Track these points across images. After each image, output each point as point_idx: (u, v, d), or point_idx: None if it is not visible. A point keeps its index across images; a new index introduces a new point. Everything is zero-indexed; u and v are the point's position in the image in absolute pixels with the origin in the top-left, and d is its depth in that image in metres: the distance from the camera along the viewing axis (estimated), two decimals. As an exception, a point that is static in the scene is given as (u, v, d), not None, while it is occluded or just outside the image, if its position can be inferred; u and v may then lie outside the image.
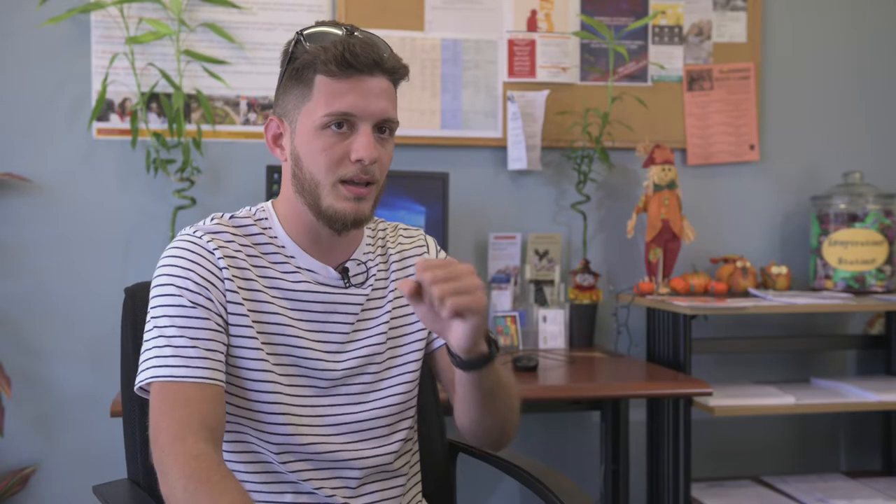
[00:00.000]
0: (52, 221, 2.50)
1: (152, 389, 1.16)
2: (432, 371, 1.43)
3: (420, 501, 1.42)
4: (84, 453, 2.50)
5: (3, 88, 2.48)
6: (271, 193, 2.30)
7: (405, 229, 1.44)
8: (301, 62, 1.22)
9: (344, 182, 1.21)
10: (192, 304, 1.18)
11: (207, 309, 1.19)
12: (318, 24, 1.25)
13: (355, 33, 1.23)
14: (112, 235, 2.52)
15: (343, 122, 1.20)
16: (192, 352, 1.16)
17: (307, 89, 1.22)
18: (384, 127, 1.24)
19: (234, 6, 2.52)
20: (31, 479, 2.49)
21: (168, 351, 1.15)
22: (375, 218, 1.42)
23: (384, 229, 1.41)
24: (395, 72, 1.24)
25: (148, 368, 1.16)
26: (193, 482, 1.07)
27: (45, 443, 2.51)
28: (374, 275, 1.34)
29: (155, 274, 1.22)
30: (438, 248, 1.45)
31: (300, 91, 1.23)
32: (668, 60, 2.77)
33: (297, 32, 1.25)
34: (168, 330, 1.17)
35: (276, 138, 1.28)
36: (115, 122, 2.52)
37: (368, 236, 1.37)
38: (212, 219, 1.29)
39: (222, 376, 1.18)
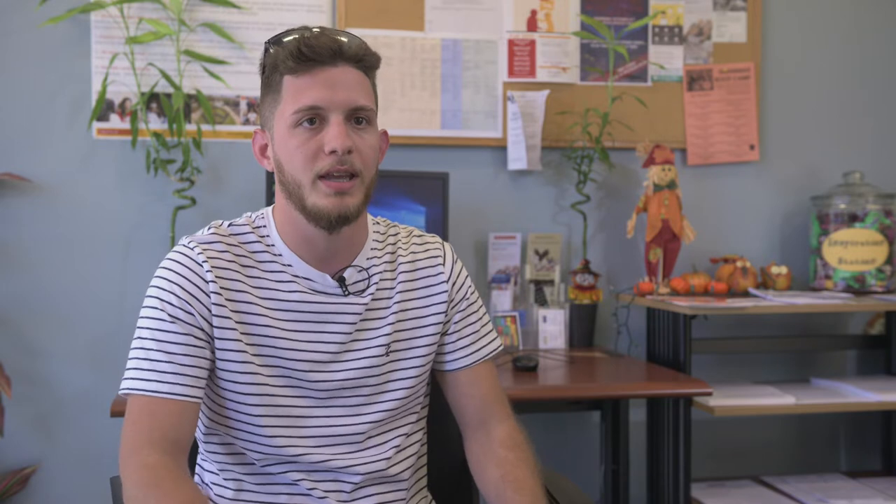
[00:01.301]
0: (52, 221, 2.50)
1: (127, 400, 1.18)
2: (442, 389, 1.40)
3: None
4: (84, 453, 2.50)
5: (3, 88, 2.48)
6: (271, 194, 2.30)
7: (419, 236, 1.39)
8: (269, 68, 1.23)
9: (323, 178, 1.19)
10: (171, 319, 1.19)
11: (188, 324, 1.19)
12: (288, 30, 1.24)
13: (320, 30, 1.22)
14: (112, 235, 2.52)
15: (314, 118, 1.19)
16: (166, 367, 1.17)
17: (277, 93, 1.21)
18: (360, 117, 1.21)
19: (234, 6, 2.52)
20: (31, 479, 2.49)
21: (145, 364, 1.18)
22: (388, 221, 1.40)
23: (396, 234, 1.37)
24: (361, 59, 1.22)
25: (125, 379, 1.19)
26: (143, 489, 1.10)
27: (45, 443, 2.51)
28: (377, 282, 1.30)
29: (149, 286, 1.23)
30: (455, 257, 1.40)
31: (272, 97, 1.23)
32: (668, 60, 2.77)
33: (265, 42, 1.25)
34: (147, 343, 1.19)
35: (263, 149, 1.28)
36: (115, 122, 2.52)
37: (375, 241, 1.33)
38: (209, 228, 1.28)
39: (196, 392, 1.18)
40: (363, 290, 1.29)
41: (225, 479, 1.29)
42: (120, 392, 1.19)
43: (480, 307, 1.41)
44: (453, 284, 1.36)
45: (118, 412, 1.79)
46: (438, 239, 1.41)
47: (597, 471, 2.50)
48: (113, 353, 2.49)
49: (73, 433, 2.52)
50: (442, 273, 1.36)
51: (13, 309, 2.49)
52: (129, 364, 1.19)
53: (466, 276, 1.40)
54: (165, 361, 1.17)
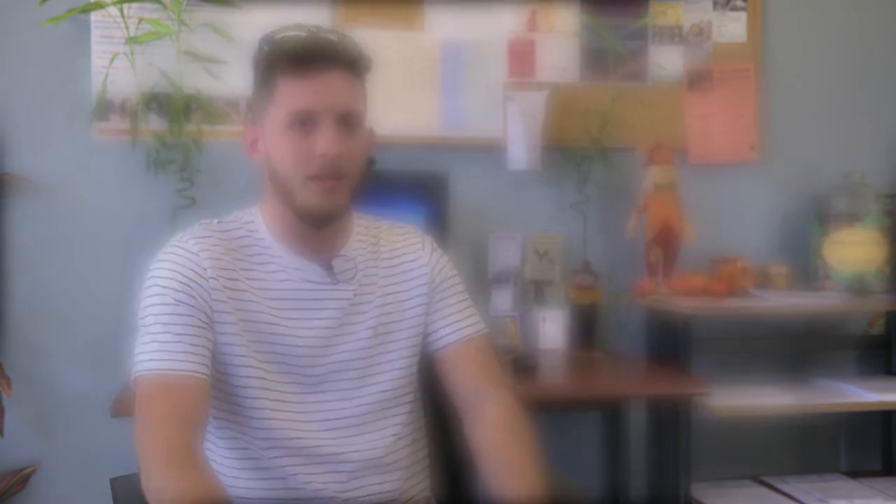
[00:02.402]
0: (52, 221, 2.50)
1: (138, 383, 1.19)
2: (433, 371, 1.42)
3: (426, 498, 1.42)
4: (84, 453, 2.50)
5: (2, 88, 2.48)
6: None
7: (399, 227, 1.45)
8: (262, 66, 1.27)
9: (313, 178, 1.23)
10: (175, 302, 1.21)
11: (191, 306, 1.21)
12: (282, 28, 1.28)
13: (315, 32, 1.25)
14: (112, 235, 2.52)
15: (305, 120, 1.23)
16: (175, 346, 1.18)
17: (270, 93, 1.25)
18: (350, 120, 1.25)
19: (234, 6, 2.51)
20: (31, 479, 2.49)
21: (153, 346, 1.19)
22: (371, 217, 1.44)
23: (378, 227, 1.43)
24: (355, 64, 1.26)
25: (136, 364, 1.19)
26: (168, 470, 1.09)
27: (45, 443, 2.51)
28: (362, 270, 1.34)
29: (144, 282, 1.25)
30: (435, 246, 1.45)
31: (264, 94, 1.27)
32: (668, 60, 2.77)
33: (258, 39, 1.28)
34: (153, 328, 1.20)
35: (253, 143, 1.33)
36: (115, 122, 2.52)
37: (359, 233, 1.38)
38: (199, 225, 1.33)
39: (206, 370, 1.20)
40: (350, 279, 1.32)
41: (221, 476, 1.29)
42: (132, 378, 1.19)
43: (463, 291, 1.44)
44: (432, 268, 1.41)
45: (118, 412, 1.79)
46: (418, 229, 1.47)
47: (597, 471, 2.50)
48: (113, 353, 2.49)
49: (73, 433, 2.51)
50: (421, 257, 1.41)
51: (13, 309, 2.49)
52: (138, 350, 1.20)
53: (447, 262, 1.44)
54: (175, 342, 1.19)
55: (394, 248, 1.40)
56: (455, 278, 1.44)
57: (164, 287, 1.22)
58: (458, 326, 1.40)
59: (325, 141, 1.22)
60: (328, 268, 1.31)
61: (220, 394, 1.26)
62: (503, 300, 2.57)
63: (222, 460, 1.30)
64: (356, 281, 1.33)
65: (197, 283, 1.23)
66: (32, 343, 2.50)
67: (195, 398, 1.17)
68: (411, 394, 1.39)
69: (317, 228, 1.28)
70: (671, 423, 2.37)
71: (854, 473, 2.74)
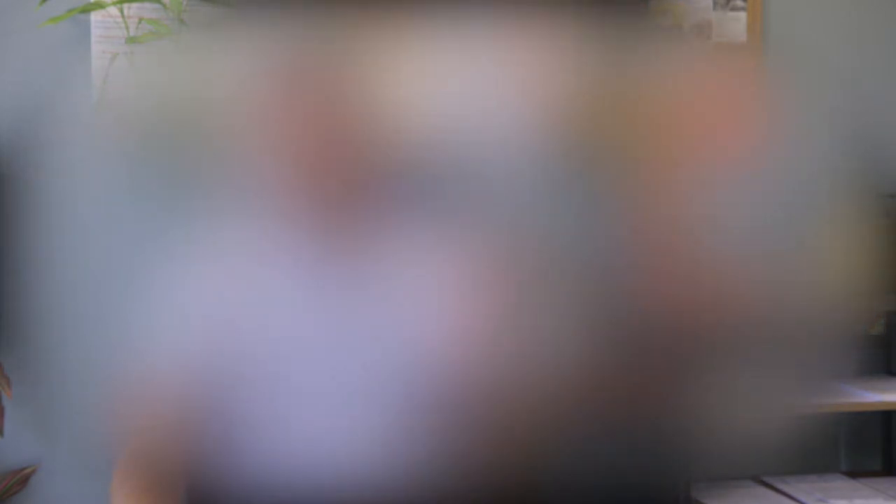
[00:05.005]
0: (52, 221, 2.50)
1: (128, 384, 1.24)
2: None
3: None
4: (84, 453, 2.51)
5: (2, 88, 2.48)
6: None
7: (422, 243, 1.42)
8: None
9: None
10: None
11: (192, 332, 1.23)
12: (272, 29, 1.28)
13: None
14: (112, 236, 2.52)
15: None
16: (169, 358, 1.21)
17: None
18: (351, 121, 1.24)
19: (234, 6, 2.51)
20: (31, 479, 2.49)
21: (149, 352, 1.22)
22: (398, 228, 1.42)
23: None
24: (344, 65, 1.25)
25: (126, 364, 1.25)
26: (121, 487, 1.15)
27: (45, 443, 2.51)
28: (376, 281, 1.32)
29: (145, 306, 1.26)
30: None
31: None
32: (667, 60, 2.77)
33: (253, 40, 1.28)
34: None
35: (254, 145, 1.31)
36: (115, 122, 2.52)
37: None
38: (200, 234, 1.31)
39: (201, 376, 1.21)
40: (366, 287, 1.30)
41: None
42: (126, 377, 1.22)
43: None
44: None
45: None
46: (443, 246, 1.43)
47: (597, 471, 2.50)
48: (113, 354, 2.49)
49: (73, 433, 2.51)
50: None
51: (13, 309, 2.49)
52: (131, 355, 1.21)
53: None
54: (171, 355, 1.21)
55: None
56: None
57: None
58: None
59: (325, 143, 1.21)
60: (343, 275, 1.29)
61: (225, 406, 1.26)
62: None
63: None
64: (369, 290, 1.30)
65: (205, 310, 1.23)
66: (32, 343, 2.50)
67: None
68: (424, 409, 1.36)
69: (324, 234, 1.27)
70: (671, 422, 2.37)
71: (854, 473, 2.74)
